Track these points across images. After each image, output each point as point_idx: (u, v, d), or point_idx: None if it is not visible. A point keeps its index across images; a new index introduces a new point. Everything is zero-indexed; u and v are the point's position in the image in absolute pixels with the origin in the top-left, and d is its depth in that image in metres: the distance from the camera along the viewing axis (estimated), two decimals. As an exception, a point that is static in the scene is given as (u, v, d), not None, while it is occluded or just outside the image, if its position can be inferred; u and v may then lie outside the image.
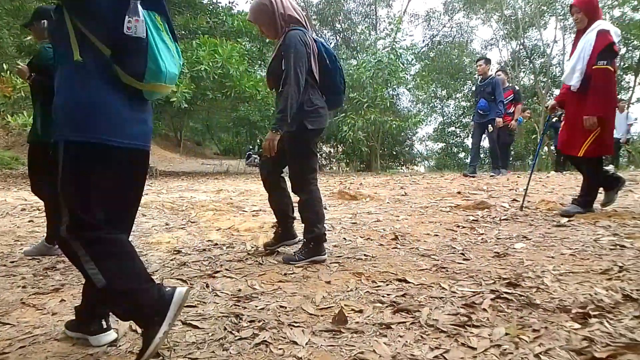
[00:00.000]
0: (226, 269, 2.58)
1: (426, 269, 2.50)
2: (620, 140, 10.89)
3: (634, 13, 19.19)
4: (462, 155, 25.51)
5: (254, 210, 4.54)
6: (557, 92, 23.98)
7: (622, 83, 22.97)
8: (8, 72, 8.57)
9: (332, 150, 19.37)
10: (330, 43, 21.35)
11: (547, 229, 3.33)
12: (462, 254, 2.76)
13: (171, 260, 2.84)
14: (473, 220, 3.73)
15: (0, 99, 8.85)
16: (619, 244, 2.80)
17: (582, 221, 3.50)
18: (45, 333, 1.77)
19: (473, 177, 7.04)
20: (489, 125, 7.22)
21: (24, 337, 1.74)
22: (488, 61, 7.73)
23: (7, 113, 8.43)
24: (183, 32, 11.46)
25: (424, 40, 22.44)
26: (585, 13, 3.64)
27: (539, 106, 22.33)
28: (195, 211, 4.55)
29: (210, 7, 11.98)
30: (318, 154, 3.10)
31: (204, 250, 3.07)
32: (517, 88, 8.73)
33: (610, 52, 3.50)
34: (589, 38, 3.58)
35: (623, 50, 21.84)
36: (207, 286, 2.28)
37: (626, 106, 11.30)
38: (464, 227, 3.49)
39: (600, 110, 3.51)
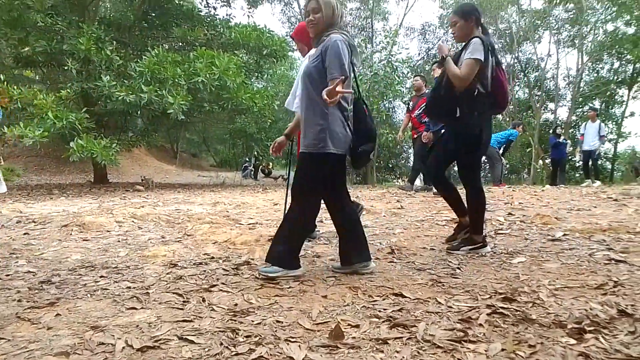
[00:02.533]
0: (222, 283, 2.57)
1: (422, 283, 2.51)
2: (593, 152, 10.62)
3: (627, 27, 19.50)
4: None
5: (250, 223, 4.54)
6: (551, 105, 24.30)
7: (616, 97, 23.25)
8: (5, 82, 8.59)
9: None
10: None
11: (542, 243, 3.35)
12: (458, 268, 2.77)
13: (167, 274, 2.83)
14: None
15: (-3, 109, 8.85)
16: (614, 258, 2.82)
17: (577, 235, 3.52)
18: (40, 348, 1.76)
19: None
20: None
21: (19, 352, 1.72)
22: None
23: (4, 124, 8.41)
24: (181, 44, 11.55)
25: (419, 54, 22.67)
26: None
27: (534, 119, 22.53)
28: (191, 224, 4.54)
29: (208, 19, 12.08)
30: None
31: (200, 263, 3.07)
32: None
33: None
34: None
35: (616, 64, 22.16)
36: (204, 300, 2.28)
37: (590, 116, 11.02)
38: (460, 241, 3.50)
39: None
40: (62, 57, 9.20)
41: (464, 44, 3.05)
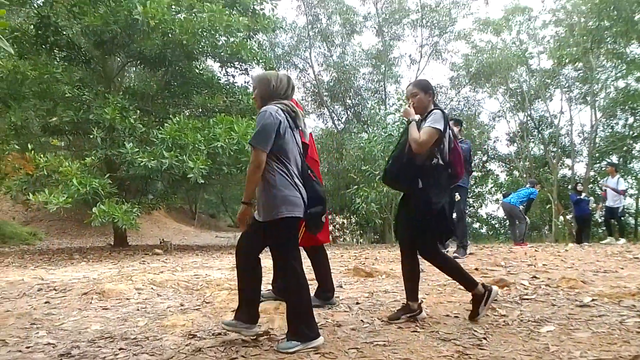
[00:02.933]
0: (242, 356, 2.53)
1: (448, 355, 2.43)
2: (616, 209, 10.21)
3: (638, 84, 19.68)
4: (476, 225, 25.34)
5: (268, 290, 4.49)
6: (568, 161, 24.16)
7: (633, 152, 23.09)
8: (32, 150, 8.94)
9: (345, 222, 19.35)
10: (342, 118, 22.05)
11: (570, 309, 3.25)
12: (485, 338, 2.69)
13: (186, 345, 2.79)
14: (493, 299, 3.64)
15: (23, 176, 9.16)
16: (647, 326, 2.71)
17: (606, 300, 3.41)
18: None
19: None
20: (456, 194, 6.20)
21: None
22: (458, 122, 6.95)
23: (29, 191, 8.67)
24: (201, 110, 11.99)
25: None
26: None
27: (551, 175, 22.38)
28: (210, 290, 4.52)
29: (227, 86, 12.59)
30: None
31: (219, 334, 3.02)
32: None
33: None
34: None
35: (630, 120, 22.19)
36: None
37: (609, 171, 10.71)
38: (484, 307, 3.41)
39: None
40: (88, 125, 9.59)
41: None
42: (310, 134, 3.56)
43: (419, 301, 3.23)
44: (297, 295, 2.69)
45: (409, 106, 3.19)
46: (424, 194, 2.99)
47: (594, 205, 10.95)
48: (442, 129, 2.97)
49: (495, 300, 3.62)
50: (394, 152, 3.26)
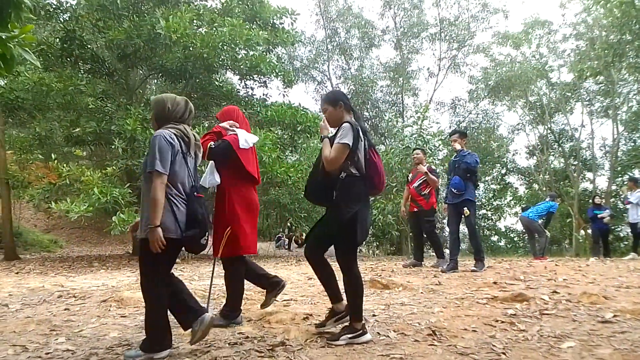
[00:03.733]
0: (259, 366, 2.53)
1: (465, 369, 2.39)
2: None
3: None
4: (494, 238, 24.99)
5: (285, 300, 4.49)
6: (589, 174, 23.75)
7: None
8: (55, 160, 9.16)
9: (361, 234, 19.25)
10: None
11: (592, 325, 3.18)
12: (504, 354, 2.64)
13: (203, 354, 2.81)
14: (512, 314, 3.59)
15: (46, 185, 9.37)
16: (672, 343, 2.64)
17: (628, 316, 3.33)
18: None
19: (454, 272, 6.14)
20: (464, 208, 6.25)
21: None
22: (463, 135, 6.83)
23: (51, 199, 8.86)
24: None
25: (450, 127, 22.95)
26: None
27: (571, 189, 22.02)
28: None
29: (246, 98, 12.76)
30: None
31: (235, 343, 3.03)
32: (432, 167, 7.77)
33: None
34: None
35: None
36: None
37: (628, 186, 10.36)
38: (502, 322, 3.36)
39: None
40: (110, 136, 9.80)
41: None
42: (253, 146, 3.67)
43: (344, 301, 3.19)
44: (152, 308, 2.79)
45: (323, 122, 3.19)
46: (335, 205, 3.01)
47: (608, 218, 10.56)
48: (350, 143, 2.94)
49: (515, 315, 3.56)
50: (312, 169, 3.32)
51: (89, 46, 10.49)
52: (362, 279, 3.15)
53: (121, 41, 9.59)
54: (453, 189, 6.38)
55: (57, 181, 9.13)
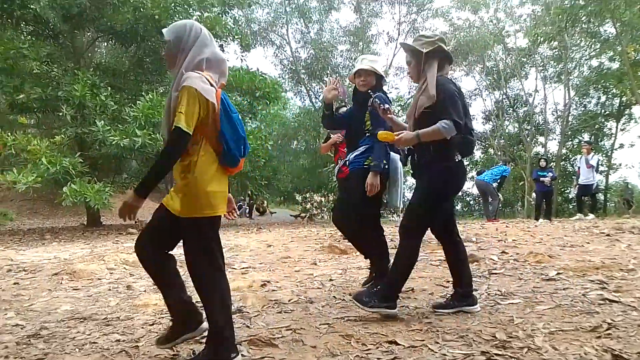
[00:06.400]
0: (214, 333, 2.53)
1: (417, 329, 2.48)
2: (589, 187, 10.18)
3: (611, 63, 20.04)
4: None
5: (243, 268, 4.50)
6: (541, 139, 24.56)
7: (605, 130, 23.63)
8: (0, 128, 8.65)
9: (323, 200, 19.40)
10: (320, 95, 21.89)
11: (536, 282, 3.34)
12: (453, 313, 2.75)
13: (157, 324, 2.79)
14: (463, 274, 3.72)
15: (-9, 155, 8.88)
16: (608, 298, 2.82)
17: (571, 274, 3.52)
18: (25, 410, 1.72)
19: None
20: None
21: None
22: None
23: (-3, 170, 8.43)
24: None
25: (409, 92, 23.05)
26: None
27: (524, 153, 22.81)
28: (183, 269, 4.48)
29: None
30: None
31: (192, 312, 3.02)
32: None
33: None
34: None
35: (603, 98, 22.64)
36: (194, 353, 2.24)
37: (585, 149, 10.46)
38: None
39: None
40: (57, 103, 9.31)
41: None
42: None
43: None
44: None
45: None
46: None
47: (548, 180, 10.77)
48: None
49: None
50: None
51: (31, 6, 9.78)
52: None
53: (65, 1, 9.00)
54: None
55: (2, 151, 8.65)
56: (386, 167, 3.25)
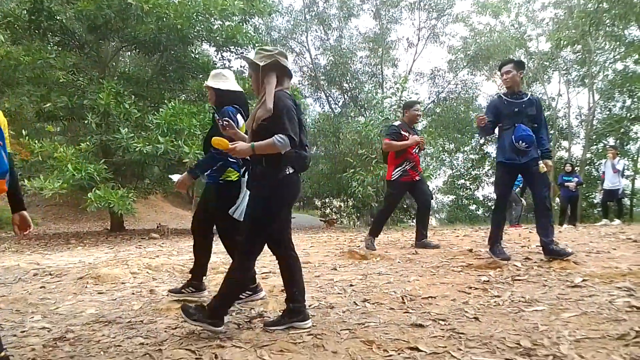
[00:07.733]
0: (235, 338, 2.55)
1: (439, 335, 2.45)
2: (615, 192, 10.10)
3: (636, 66, 19.59)
4: (473, 207, 25.41)
5: (263, 272, 4.52)
6: (565, 143, 24.07)
7: (630, 134, 23.08)
8: (27, 137, 8.90)
9: (342, 205, 19.39)
10: (339, 102, 21.92)
11: (561, 289, 3.28)
12: (476, 318, 2.71)
13: (180, 328, 2.82)
14: (485, 280, 3.68)
15: (18, 162, 9.12)
16: (635, 305, 2.74)
17: (597, 281, 3.44)
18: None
19: None
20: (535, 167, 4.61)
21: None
22: (520, 65, 4.90)
23: (24, 177, 8.65)
24: (196, 95, 11.91)
25: (429, 97, 22.93)
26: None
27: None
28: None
29: (222, 71, 12.50)
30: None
31: (214, 316, 3.04)
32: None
33: None
34: None
35: (628, 102, 22.13)
36: (216, 357, 2.26)
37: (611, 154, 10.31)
38: (476, 289, 3.44)
39: None
40: (83, 111, 9.54)
41: None
42: None
43: None
44: None
45: None
46: None
47: (573, 184, 10.60)
48: None
49: (488, 281, 3.65)
50: None
51: (57, 17, 10.08)
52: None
53: (91, 12, 9.23)
54: (522, 143, 4.62)
55: (29, 158, 8.89)
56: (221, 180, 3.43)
